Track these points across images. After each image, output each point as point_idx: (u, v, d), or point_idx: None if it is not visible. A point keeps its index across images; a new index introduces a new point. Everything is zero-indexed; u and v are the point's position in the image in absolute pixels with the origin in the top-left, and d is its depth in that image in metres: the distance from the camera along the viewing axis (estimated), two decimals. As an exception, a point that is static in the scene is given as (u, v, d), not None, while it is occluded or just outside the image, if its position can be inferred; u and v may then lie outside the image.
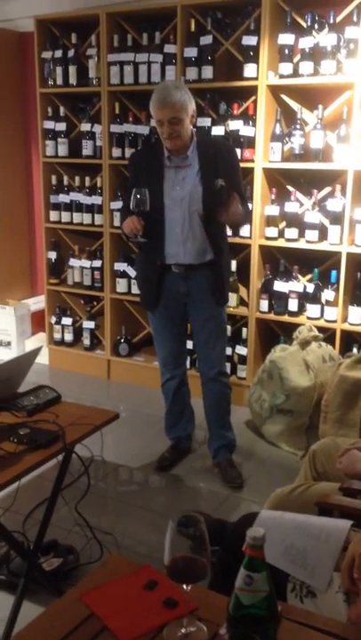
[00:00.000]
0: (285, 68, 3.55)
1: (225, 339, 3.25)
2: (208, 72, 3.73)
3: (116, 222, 4.24)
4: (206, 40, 3.70)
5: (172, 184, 2.90)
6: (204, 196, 2.87)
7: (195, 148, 2.90)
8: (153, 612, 1.27)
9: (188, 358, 3.65)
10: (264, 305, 3.86)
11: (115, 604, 1.30)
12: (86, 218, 4.38)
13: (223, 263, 3.04)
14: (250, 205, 3.65)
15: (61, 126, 4.33)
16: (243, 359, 3.96)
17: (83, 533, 2.51)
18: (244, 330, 3.93)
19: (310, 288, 3.70)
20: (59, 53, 4.23)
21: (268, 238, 3.77)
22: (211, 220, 2.89)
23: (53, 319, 4.69)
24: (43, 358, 4.68)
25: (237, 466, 3.23)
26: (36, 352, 2.37)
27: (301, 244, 3.69)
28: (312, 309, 3.69)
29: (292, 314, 3.79)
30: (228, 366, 3.73)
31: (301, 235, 3.70)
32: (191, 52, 3.73)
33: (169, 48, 3.83)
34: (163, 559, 1.19)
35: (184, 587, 1.20)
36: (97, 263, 4.42)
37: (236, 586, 1.03)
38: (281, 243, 3.76)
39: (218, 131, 3.74)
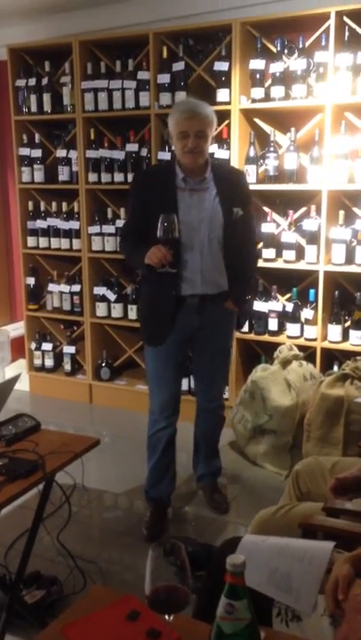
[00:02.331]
0: (257, 92, 3.61)
1: (228, 370, 3.13)
2: (181, 97, 3.77)
3: (95, 247, 4.24)
4: (179, 66, 3.75)
5: (187, 208, 2.69)
6: (225, 222, 2.73)
7: (210, 170, 2.76)
8: (136, 643, 1.25)
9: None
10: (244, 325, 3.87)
11: (97, 636, 1.28)
12: (64, 243, 4.39)
13: (241, 294, 2.92)
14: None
15: (37, 153, 4.35)
16: (226, 379, 3.95)
17: (66, 563, 2.46)
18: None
19: (289, 307, 3.72)
20: (32, 81, 4.26)
21: (245, 259, 3.80)
22: (229, 246, 2.76)
23: (33, 345, 4.66)
24: (23, 385, 4.64)
25: (222, 488, 3.21)
26: (14, 380, 2.34)
27: (279, 264, 3.72)
28: (292, 328, 3.71)
29: (272, 333, 3.81)
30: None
31: (279, 255, 3.73)
32: (164, 79, 3.79)
33: (142, 74, 3.88)
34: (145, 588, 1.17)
35: (166, 617, 1.19)
36: (76, 288, 4.41)
37: (218, 614, 1.01)
38: (259, 263, 3.77)
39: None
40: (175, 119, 2.66)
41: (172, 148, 2.84)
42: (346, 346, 3.57)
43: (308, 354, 3.67)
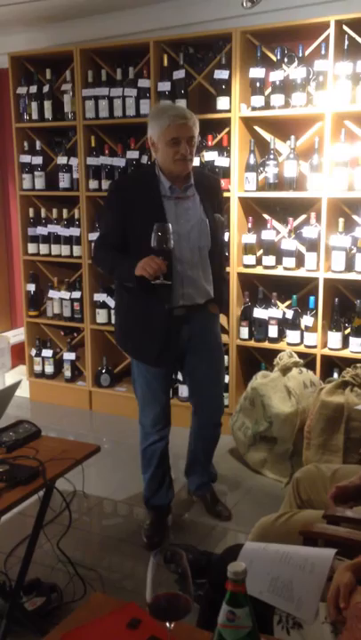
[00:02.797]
0: (257, 100, 3.62)
1: (224, 378, 3.05)
2: (182, 105, 3.78)
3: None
4: (179, 74, 3.77)
5: (175, 217, 2.60)
6: (211, 229, 2.68)
7: (192, 177, 2.70)
8: (137, 651, 1.25)
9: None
10: (244, 332, 3.88)
11: (98, 644, 1.27)
12: (65, 249, 4.40)
13: (225, 297, 2.92)
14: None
15: (38, 160, 4.36)
16: (225, 387, 3.94)
17: (66, 570, 2.46)
18: (226, 357, 3.92)
19: (289, 314, 3.73)
20: (34, 89, 4.28)
21: (246, 266, 3.81)
22: (213, 253, 2.72)
23: (33, 351, 4.66)
24: (23, 391, 4.64)
25: (222, 495, 3.20)
26: (14, 386, 2.35)
27: (279, 271, 3.73)
28: (292, 335, 3.71)
29: (272, 340, 3.81)
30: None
31: (279, 262, 3.74)
32: (165, 87, 3.80)
33: (143, 82, 3.90)
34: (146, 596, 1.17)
35: (167, 624, 1.18)
36: (76, 294, 4.42)
37: (219, 622, 1.01)
38: (259, 270, 3.80)
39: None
40: (164, 125, 2.54)
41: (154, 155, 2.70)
42: (346, 353, 3.57)
43: (308, 361, 3.67)
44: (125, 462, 3.66)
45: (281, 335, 3.80)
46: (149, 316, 2.67)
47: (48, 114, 4.27)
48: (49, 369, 4.64)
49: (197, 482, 3.14)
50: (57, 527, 2.45)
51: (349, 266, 3.50)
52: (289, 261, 3.67)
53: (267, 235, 3.73)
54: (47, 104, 4.26)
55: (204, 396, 2.95)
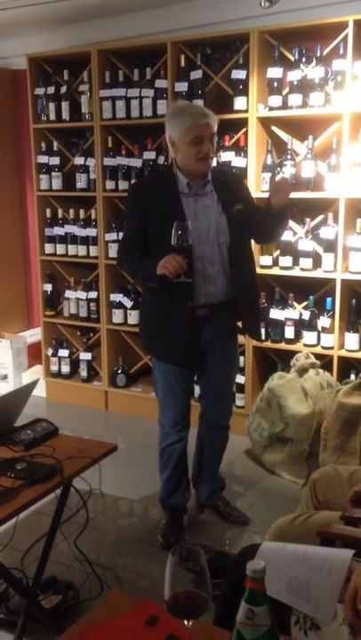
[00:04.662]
0: (275, 100, 3.61)
1: (235, 381, 3.05)
2: (199, 104, 3.79)
3: (112, 254, 4.27)
4: (196, 75, 3.77)
5: (193, 214, 2.60)
6: (229, 226, 2.66)
7: (210, 173, 2.69)
8: (154, 649, 1.25)
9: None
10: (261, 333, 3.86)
11: (115, 641, 1.28)
12: (81, 250, 4.42)
13: (251, 296, 2.83)
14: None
15: (55, 160, 4.39)
16: (241, 387, 3.95)
17: (82, 569, 2.47)
18: (242, 358, 3.92)
19: (306, 315, 3.71)
20: (51, 90, 4.30)
21: (262, 267, 3.80)
22: (236, 250, 2.68)
23: (50, 351, 4.69)
24: (40, 391, 4.66)
25: (238, 497, 3.19)
26: (32, 385, 2.36)
27: (296, 272, 3.72)
28: (309, 336, 3.70)
29: (288, 341, 3.80)
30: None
31: (296, 262, 3.72)
32: (182, 87, 3.80)
33: (160, 83, 3.91)
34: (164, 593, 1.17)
35: (185, 622, 1.18)
36: (93, 294, 4.44)
37: (238, 620, 1.01)
38: (276, 271, 3.79)
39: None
40: (186, 125, 2.54)
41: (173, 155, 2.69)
42: (363, 354, 3.55)
43: (324, 362, 3.65)
44: (141, 462, 3.67)
45: (298, 336, 3.78)
46: (172, 315, 2.67)
47: (65, 115, 4.30)
48: (65, 369, 4.66)
49: (208, 490, 3.08)
50: (73, 526, 2.46)
51: (367, 267, 3.48)
52: (306, 262, 3.65)
53: (284, 235, 3.70)
54: (65, 105, 4.28)
55: (216, 397, 2.94)
